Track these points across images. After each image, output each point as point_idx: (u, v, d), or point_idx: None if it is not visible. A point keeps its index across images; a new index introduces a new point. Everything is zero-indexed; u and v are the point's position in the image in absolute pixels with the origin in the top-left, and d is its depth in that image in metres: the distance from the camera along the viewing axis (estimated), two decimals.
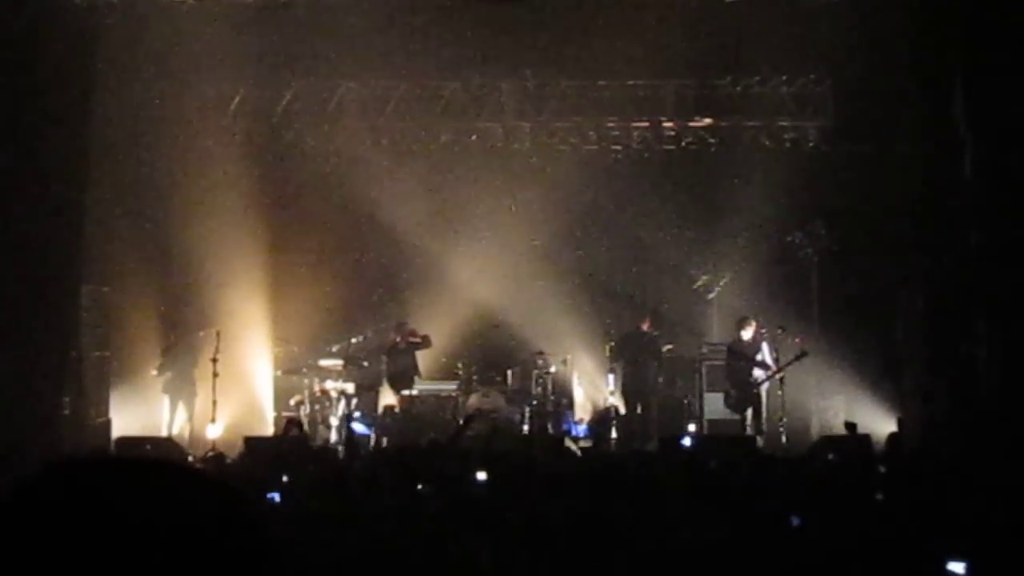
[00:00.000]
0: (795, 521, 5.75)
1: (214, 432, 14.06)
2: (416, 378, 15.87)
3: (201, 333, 15.01)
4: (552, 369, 16.00)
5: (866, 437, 12.40)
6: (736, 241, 16.72)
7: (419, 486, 6.25)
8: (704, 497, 6.46)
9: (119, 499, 1.23)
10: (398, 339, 15.89)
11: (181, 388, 15.24)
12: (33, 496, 1.23)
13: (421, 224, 16.95)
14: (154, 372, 15.41)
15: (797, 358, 14.41)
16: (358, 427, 14.87)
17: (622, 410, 15.62)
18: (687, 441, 11.76)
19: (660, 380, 15.89)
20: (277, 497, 6.53)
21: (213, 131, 17.06)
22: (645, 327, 15.96)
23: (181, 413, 15.23)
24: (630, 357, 15.76)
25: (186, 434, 14.94)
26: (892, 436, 12.27)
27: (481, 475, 6.78)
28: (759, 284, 16.56)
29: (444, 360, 16.45)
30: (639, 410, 15.63)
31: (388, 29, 15.67)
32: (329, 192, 17.14)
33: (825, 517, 5.95)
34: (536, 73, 16.95)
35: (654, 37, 15.83)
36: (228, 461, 11.51)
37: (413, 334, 15.86)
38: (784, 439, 14.13)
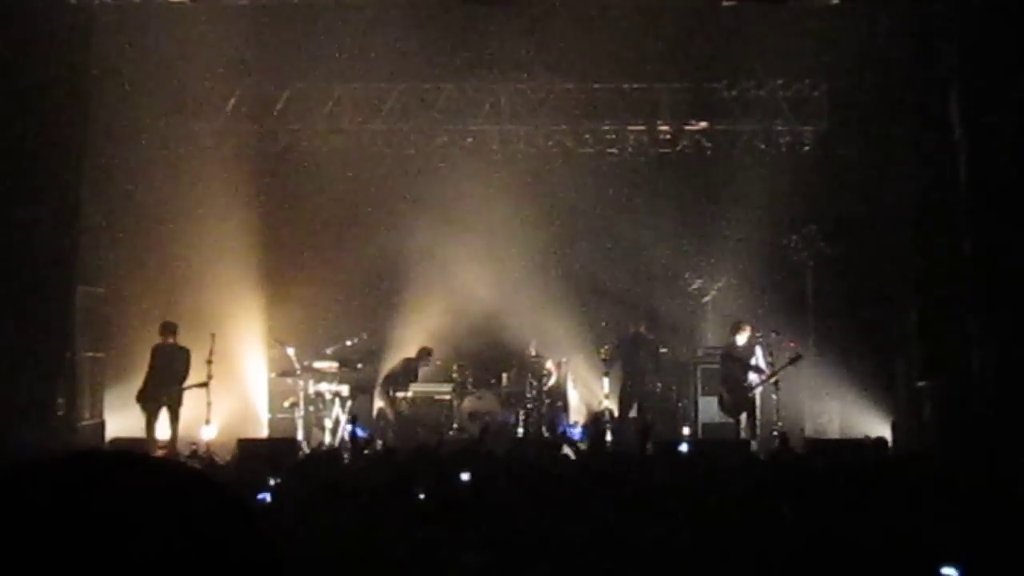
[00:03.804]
0: (786, 511, 5.75)
1: (208, 434, 14.03)
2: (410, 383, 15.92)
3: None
4: (547, 372, 15.99)
5: (860, 441, 12.43)
6: (731, 245, 16.72)
7: (409, 488, 6.24)
8: (698, 501, 6.46)
9: (102, 498, 1.20)
10: (419, 359, 15.95)
11: (165, 396, 14.17)
12: (13, 495, 1.20)
13: (417, 227, 16.94)
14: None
15: (791, 361, 14.42)
16: (352, 429, 14.85)
17: (616, 413, 15.59)
18: (684, 447, 11.74)
19: (658, 385, 15.83)
20: (268, 498, 6.53)
21: (209, 133, 17.06)
22: (643, 330, 15.92)
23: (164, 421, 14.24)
24: (627, 360, 15.70)
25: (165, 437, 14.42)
26: (880, 439, 12.32)
27: (465, 476, 6.77)
28: (754, 288, 16.57)
29: (439, 363, 16.44)
30: (633, 414, 15.58)
31: (384, 32, 15.69)
32: (325, 194, 17.12)
33: (819, 522, 5.95)
34: (532, 76, 16.95)
35: (650, 40, 15.87)
36: (221, 463, 11.51)
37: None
38: (777, 443, 14.11)
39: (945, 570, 4.69)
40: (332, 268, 17.17)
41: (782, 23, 15.51)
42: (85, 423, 14.89)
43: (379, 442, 14.83)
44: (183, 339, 14.67)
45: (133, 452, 1.35)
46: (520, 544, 5.31)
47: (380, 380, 15.94)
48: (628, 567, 5.36)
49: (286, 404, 15.46)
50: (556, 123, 17.19)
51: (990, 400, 12.53)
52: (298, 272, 16.98)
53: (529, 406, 15.61)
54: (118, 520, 1.16)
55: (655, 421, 15.57)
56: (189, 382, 14.13)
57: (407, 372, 15.89)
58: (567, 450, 12.07)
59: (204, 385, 13.89)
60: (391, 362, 16.20)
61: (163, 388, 14.09)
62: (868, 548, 5.09)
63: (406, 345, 16.44)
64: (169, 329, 14.53)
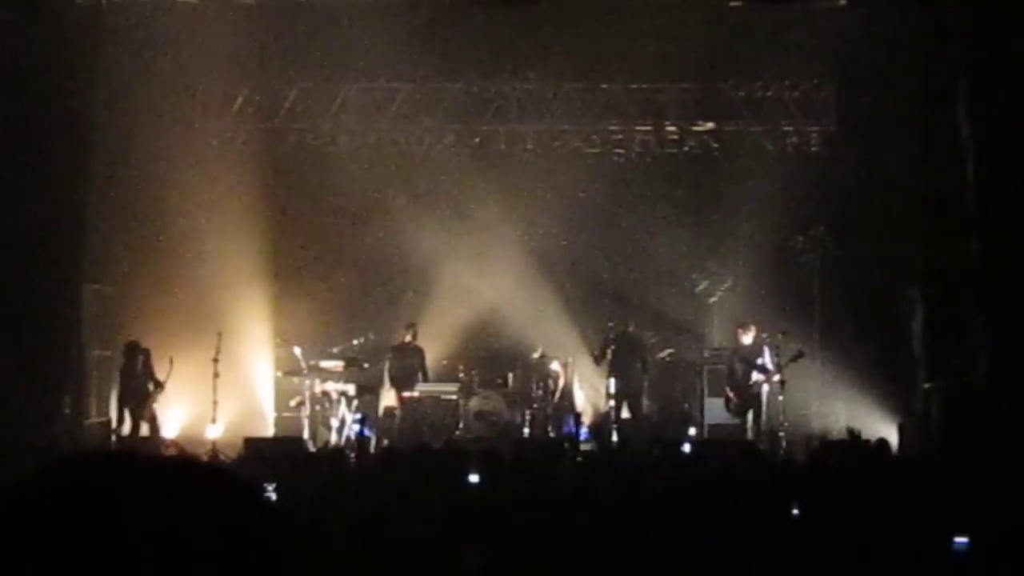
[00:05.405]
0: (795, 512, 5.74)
1: (214, 432, 14.05)
2: (419, 381, 15.86)
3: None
4: (553, 372, 15.97)
5: (867, 442, 12.38)
6: (738, 245, 16.69)
7: (414, 488, 6.24)
8: (704, 500, 6.45)
9: (131, 498, 1.19)
10: (407, 338, 15.90)
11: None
12: (37, 494, 1.20)
13: (423, 226, 16.93)
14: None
15: (794, 358, 14.38)
16: (358, 429, 14.85)
17: (623, 413, 15.55)
18: (687, 447, 11.72)
19: (645, 382, 15.76)
20: (274, 497, 6.53)
21: (216, 132, 17.08)
22: (631, 330, 15.88)
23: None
24: (614, 359, 15.61)
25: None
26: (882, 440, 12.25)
27: (473, 477, 6.76)
28: (761, 289, 16.52)
29: (445, 362, 16.43)
30: (625, 413, 15.49)
31: (391, 32, 15.70)
32: (331, 194, 17.13)
33: (826, 522, 5.94)
34: (539, 76, 16.95)
35: (657, 41, 15.87)
36: (227, 461, 11.52)
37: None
38: (784, 444, 14.09)
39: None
40: (338, 267, 17.18)
41: (789, 23, 15.50)
42: (92, 421, 14.91)
43: (385, 441, 14.86)
44: (186, 339, 14.76)
45: (137, 452, 1.35)
46: (525, 544, 5.31)
47: (395, 377, 15.83)
48: (633, 567, 5.36)
49: (292, 403, 15.46)
50: (563, 123, 17.17)
51: (998, 401, 12.51)
52: (304, 271, 17.00)
53: (535, 406, 15.59)
54: (127, 522, 1.16)
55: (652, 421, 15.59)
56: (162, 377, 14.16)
57: (416, 357, 15.82)
58: (569, 446, 12.06)
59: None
60: (389, 359, 16.08)
61: (135, 401, 14.12)
62: (874, 549, 5.08)
63: None
64: (134, 349, 14.32)
